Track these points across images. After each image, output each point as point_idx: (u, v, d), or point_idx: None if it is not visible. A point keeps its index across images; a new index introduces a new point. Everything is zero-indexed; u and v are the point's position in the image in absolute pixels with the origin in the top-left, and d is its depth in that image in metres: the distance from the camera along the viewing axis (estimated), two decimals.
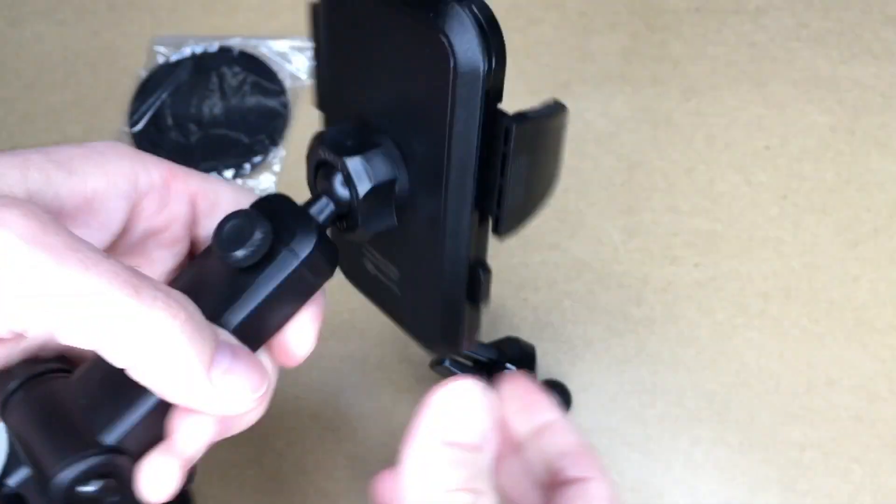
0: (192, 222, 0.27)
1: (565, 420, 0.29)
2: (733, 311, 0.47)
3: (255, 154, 0.54)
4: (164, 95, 0.57)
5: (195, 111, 0.56)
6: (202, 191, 0.27)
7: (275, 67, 0.57)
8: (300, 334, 0.26)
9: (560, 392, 0.43)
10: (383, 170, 0.25)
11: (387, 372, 0.47)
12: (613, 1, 0.57)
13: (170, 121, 0.56)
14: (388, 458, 0.47)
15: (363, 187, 0.25)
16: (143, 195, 0.26)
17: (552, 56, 0.55)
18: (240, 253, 0.23)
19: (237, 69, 0.57)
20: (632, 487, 0.43)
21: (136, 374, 0.21)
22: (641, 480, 0.43)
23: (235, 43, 0.58)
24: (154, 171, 0.26)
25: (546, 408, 0.29)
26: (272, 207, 0.25)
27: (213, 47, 0.58)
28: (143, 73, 0.58)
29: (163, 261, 0.27)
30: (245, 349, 0.23)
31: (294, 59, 0.57)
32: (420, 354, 0.47)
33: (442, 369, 0.41)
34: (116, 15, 0.60)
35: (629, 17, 0.56)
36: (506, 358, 0.41)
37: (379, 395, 0.46)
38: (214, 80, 0.57)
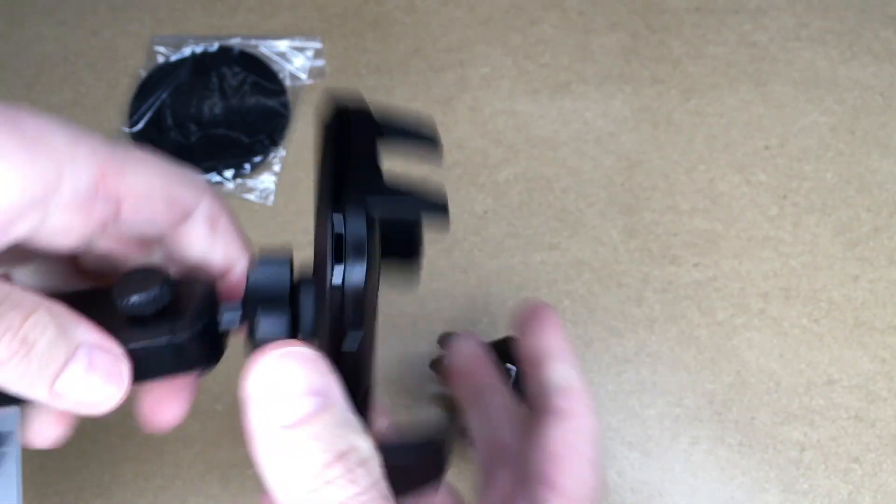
0: (109, 219, 0.24)
1: (569, 351, 0.31)
2: (733, 311, 0.47)
3: (255, 154, 0.54)
4: (163, 95, 0.57)
5: (195, 111, 0.56)
6: (132, 191, 0.24)
7: (275, 67, 0.57)
8: (162, 406, 0.27)
9: None
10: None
11: (387, 372, 0.47)
12: (613, 1, 0.57)
13: (170, 121, 0.56)
14: None
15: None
16: (66, 194, 0.22)
17: (552, 56, 0.55)
18: (133, 299, 0.23)
19: (237, 69, 0.57)
20: (632, 487, 0.43)
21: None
22: (641, 480, 0.43)
23: (235, 43, 0.58)
24: (84, 172, 0.22)
25: (555, 334, 0.32)
26: (191, 285, 0.25)
27: (213, 47, 0.58)
28: (143, 73, 0.58)
29: (64, 240, 0.24)
30: (107, 352, 0.23)
31: (294, 59, 0.57)
32: (420, 354, 0.47)
33: (441, 369, 0.41)
34: (116, 15, 0.60)
35: (629, 17, 0.56)
36: (506, 358, 0.41)
37: (379, 395, 0.46)
38: (214, 80, 0.57)
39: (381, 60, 0.56)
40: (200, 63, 0.58)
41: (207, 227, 0.26)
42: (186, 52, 0.58)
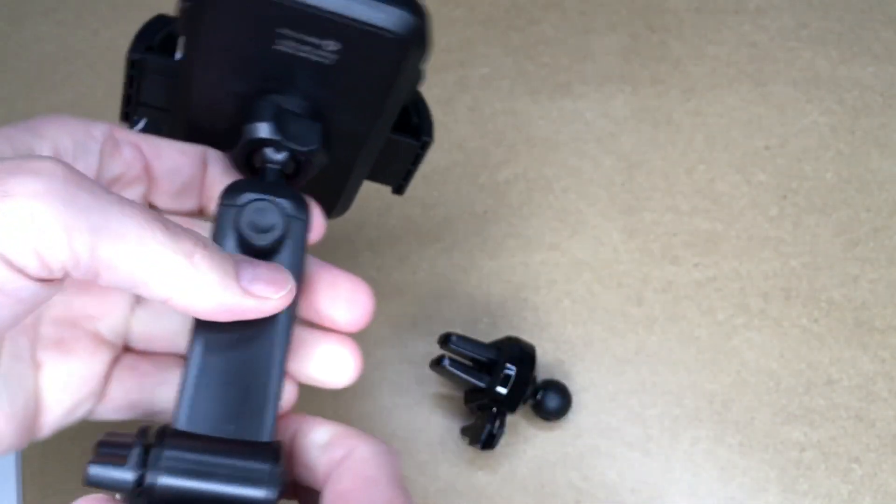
0: (144, 166, 0.29)
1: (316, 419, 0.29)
2: (733, 311, 0.47)
3: None
4: None
5: None
6: (142, 139, 0.29)
7: None
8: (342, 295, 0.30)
9: (560, 392, 0.43)
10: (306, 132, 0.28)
11: (387, 372, 0.47)
12: (613, 1, 0.57)
13: None
14: None
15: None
16: (100, 145, 0.28)
17: (552, 56, 0.55)
18: (267, 238, 0.27)
19: None
20: (632, 488, 0.43)
21: (179, 301, 0.23)
22: (641, 480, 0.43)
23: None
24: (101, 127, 0.28)
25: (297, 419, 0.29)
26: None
27: None
28: None
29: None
30: (260, 262, 0.26)
31: None
32: (420, 354, 0.47)
33: (441, 369, 0.41)
34: (116, 15, 0.60)
35: (629, 17, 0.56)
36: (506, 358, 0.42)
37: (379, 395, 0.46)
38: None
39: None
40: None
41: (222, 165, 0.30)
42: None
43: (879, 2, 0.55)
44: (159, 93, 0.29)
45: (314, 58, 0.26)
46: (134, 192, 0.29)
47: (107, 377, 0.30)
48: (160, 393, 0.30)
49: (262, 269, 0.25)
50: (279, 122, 0.27)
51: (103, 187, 0.22)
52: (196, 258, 0.23)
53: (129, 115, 0.30)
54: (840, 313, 0.46)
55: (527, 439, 0.45)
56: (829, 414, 0.44)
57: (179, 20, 0.27)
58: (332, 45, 0.26)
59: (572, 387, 0.45)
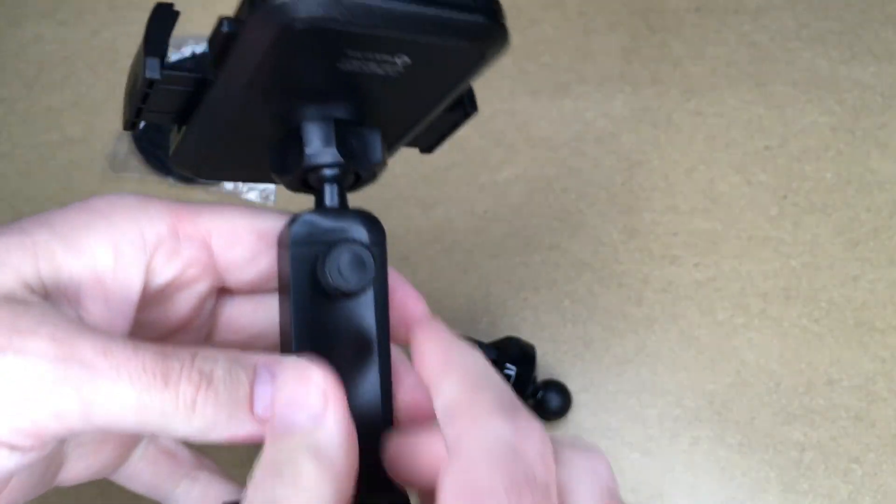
0: (210, 262, 0.26)
1: (442, 353, 0.24)
2: (733, 311, 0.47)
3: None
4: None
5: None
6: (215, 229, 0.26)
7: None
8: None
9: (560, 392, 0.43)
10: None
11: None
12: (613, 1, 0.57)
13: None
14: None
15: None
16: (154, 252, 0.25)
17: (552, 56, 0.55)
18: (356, 282, 0.25)
19: None
20: (632, 488, 0.43)
21: (196, 440, 0.22)
22: (641, 480, 0.43)
23: None
24: (159, 223, 0.25)
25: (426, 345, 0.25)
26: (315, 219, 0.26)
27: None
28: None
29: (187, 300, 0.26)
30: (287, 366, 0.22)
31: None
32: None
33: None
34: (116, 15, 0.60)
35: (629, 17, 0.56)
36: (506, 358, 0.42)
37: None
38: None
39: None
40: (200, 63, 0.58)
41: None
42: (186, 52, 0.58)
43: (879, 2, 0.55)
44: (173, 101, 0.26)
45: (380, 71, 0.24)
46: (192, 293, 0.26)
47: (134, 447, 0.29)
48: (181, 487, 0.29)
49: (286, 384, 0.22)
50: (341, 143, 0.25)
51: (100, 341, 0.21)
52: (199, 405, 0.21)
53: (134, 125, 0.27)
54: (840, 313, 0.46)
55: None
56: (829, 414, 0.44)
57: (216, 40, 0.23)
58: (402, 59, 0.24)
59: (572, 387, 0.45)
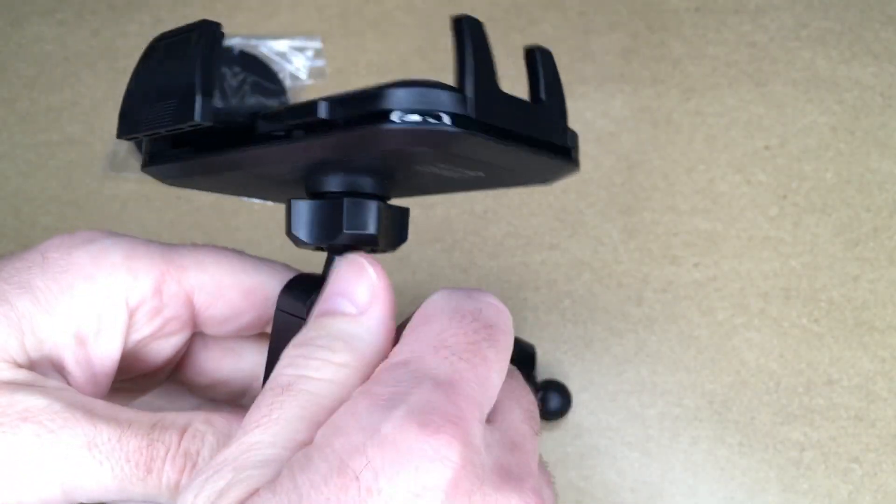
0: (191, 317, 0.26)
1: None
2: (733, 311, 0.47)
3: None
4: None
5: None
6: (198, 286, 0.25)
7: (275, 67, 0.57)
8: None
9: (560, 392, 0.43)
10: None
11: None
12: (613, 1, 0.57)
13: None
14: None
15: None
16: (135, 311, 0.24)
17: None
18: None
19: (237, 69, 0.57)
20: (632, 487, 0.43)
21: None
22: (641, 480, 0.43)
23: (235, 43, 0.58)
24: (144, 282, 0.24)
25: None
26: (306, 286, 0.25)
27: None
28: None
29: (162, 350, 0.26)
30: (348, 256, 0.23)
31: (294, 59, 0.57)
32: None
33: None
34: (116, 15, 0.60)
35: (629, 17, 0.56)
36: None
37: None
38: (214, 79, 0.57)
39: (381, 60, 0.56)
40: None
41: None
42: None
43: (879, 2, 0.55)
44: (202, 138, 0.23)
45: (449, 175, 0.23)
46: (168, 344, 0.26)
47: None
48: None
49: (341, 275, 0.22)
50: (378, 221, 0.23)
51: (87, 429, 0.21)
52: (182, 486, 0.21)
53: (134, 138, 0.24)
54: (840, 313, 0.46)
55: None
56: (829, 414, 0.44)
57: (303, 113, 0.20)
58: (477, 174, 0.23)
59: (572, 387, 0.45)
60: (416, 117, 0.19)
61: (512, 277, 0.48)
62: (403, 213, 0.25)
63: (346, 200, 0.23)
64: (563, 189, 0.51)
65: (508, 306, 0.48)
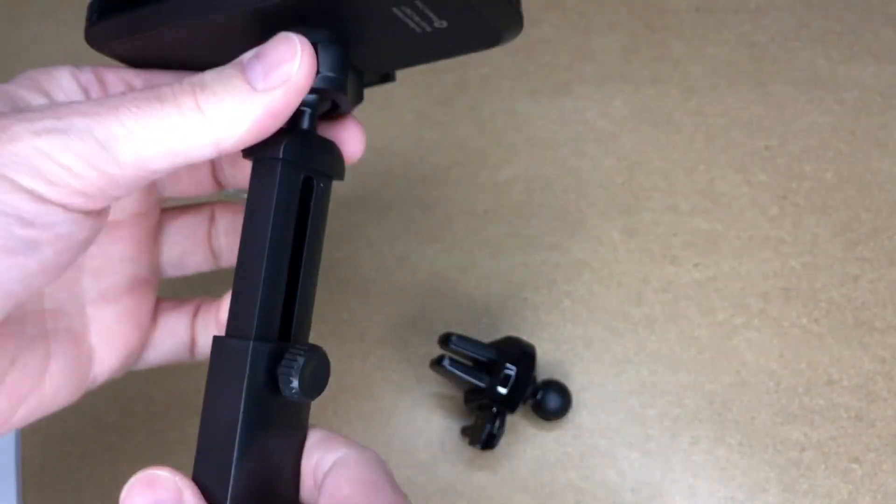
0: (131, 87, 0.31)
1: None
2: (733, 311, 0.47)
3: None
4: None
5: None
6: (134, 75, 0.32)
7: None
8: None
9: (560, 392, 0.43)
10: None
11: (387, 372, 0.47)
12: (613, 1, 0.57)
13: None
14: (388, 458, 0.47)
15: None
16: (88, 91, 0.30)
17: (552, 56, 0.55)
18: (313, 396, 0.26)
19: None
20: (632, 487, 0.43)
21: (226, 146, 0.24)
22: (641, 480, 0.43)
23: None
24: (87, 72, 0.32)
25: None
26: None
27: None
28: None
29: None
30: (265, 46, 0.24)
31: None
32: (420, 354, 0.47)
33: (441, 369, 0.41)
34: None
35: (629, 17, 0.56)
36: (506, 358, 0.41)
37: (379, 395, 0.46)
38: None
39: None
40: None
41: None
42: None
43: (879, 2, 0.55)
44: None
45: (413, 27, 0.25)
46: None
47: (152, 321, 0.31)
48: (200, 331, 0.32)
49: (267, 54, 0.24)
50: (344, 72, 0.26)
51: (94, 101, 0.23)
52: (203, 106, 0.23)
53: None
54: (840, 313, 0.46)
55: (527, 439, 0.45)
56: (829, 414, 0.44)
57: None
58: (441, 24, 0.25)
59: (572, 387, 0.45)
60: None
61: (512, 277, 0.48)
62: (356, 73, 0.27)
63: (320, 44, 0.25)
64: (563, 189, 0.51)
65: (508, 306, 0.48)
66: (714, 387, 0.45)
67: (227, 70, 0.24)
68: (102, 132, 0.22)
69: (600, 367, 0.46)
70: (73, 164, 0.22)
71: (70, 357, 0.27)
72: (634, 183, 0.51)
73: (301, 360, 0.25)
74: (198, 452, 0.25)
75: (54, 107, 0.23)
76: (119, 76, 0.30)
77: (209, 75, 0.24)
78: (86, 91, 0.29)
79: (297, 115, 0.27)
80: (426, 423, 0.46)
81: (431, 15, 0.24)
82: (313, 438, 0.27)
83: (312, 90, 0.25)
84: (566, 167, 0.52)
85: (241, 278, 0.26)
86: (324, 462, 0.26)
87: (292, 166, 0.26)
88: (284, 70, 0.24)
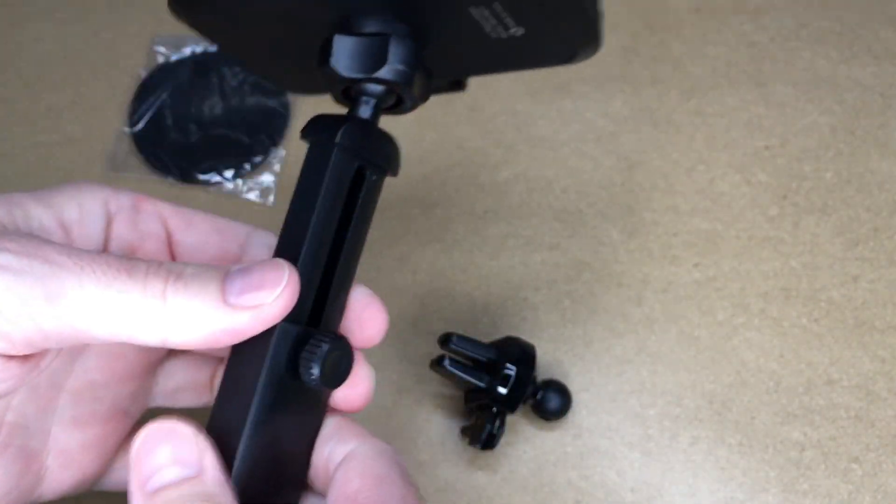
0: (168, 239, 0.29)
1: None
2: (733, 311, 0.47)
3: (255, 154, 0.54)
4: (164, 95, 0.57)
5: (195, 111, 0.56)
6: (173, 212, 0.29)
7: None
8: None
9: (560, 392, 0.43)
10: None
11: (387, 372, 0.47)
12: (613, 1, 0.57)
13: (170, 121, 0.56)
14: None
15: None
16: (114, 216, 0.28)
17: None
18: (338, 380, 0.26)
19: (237, 69, 0.57)
20: (632, 487, 0.43)
21: (174, 341, 0.22)
22: (641, 480, 0.43)
23: None
24: (123, 197, 0.28)
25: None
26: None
27: (214, 47, 0.58)
28: (143, 73, 0.58)
29: None
30: (256, 265, 0.24)
31: None
32: (420, 354, 0.47)
33: (441, 369, 0.41)
34: (116, 15, 0.60)
35: (629, 17, 0.56)
36: (506, 358, 0.41)
37: (379, 395, 0.46)
38: (214, 80, 0.57)
39: None
40: (200, 63, 0.58)
41: (266, 249, 0.30)
42: (186, 52, 0.58)
43: (879, 2, 0.55)
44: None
45: (489, 31, 0.24)
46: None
47: (117, 451, 0.29)
48: None
49: (253, 274, 0.23)
50: (415, 66, 0.26)
51: (68, 249, 0.22)
52: (169, 296, 0.22)
53: None
54: (840, 313, 0.46)
55: (527, 439, 0.45)
56: (829, 414, 0.44)
57: None
58: (517, 30, 0.24)
59: (572, 387, 0.45)
60: None
61: (512, 277, 0.48)
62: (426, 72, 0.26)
63: (393, 36, 0.25)
64: (563, 189, 0.51)
65: (508, 306, 0.48)
66: (714, 387, 0.45)
67: (209, 271, 0.23)
68: (56, 286, 0.21)
69: (600, 367, 0.46)
70: (9, 307, 0.21)
71: (13, 474, 0.25)
72: (634, 183, 0.51)
73: (325, 347, 0.24)
74: (211, 419, 0.25)
75: (27, 241, 0.22)
76: (157, 209, 0.29)
77: (191, 268, 0.23)
78: (109, 218, 0.28)
79: (357, 104, 0.26)
80: (426, 423, 0.46)
81: (509, 20, 0.24)
82: (329, 427, 0.27)
83: (380, 81, 0.25)
84: (566, 167, 0.52)
85: (280, 256, 0.25)
86: (336, 453, 0.26)
87: (347, 152, 0.25)
88: (261, 296, 0.22)
